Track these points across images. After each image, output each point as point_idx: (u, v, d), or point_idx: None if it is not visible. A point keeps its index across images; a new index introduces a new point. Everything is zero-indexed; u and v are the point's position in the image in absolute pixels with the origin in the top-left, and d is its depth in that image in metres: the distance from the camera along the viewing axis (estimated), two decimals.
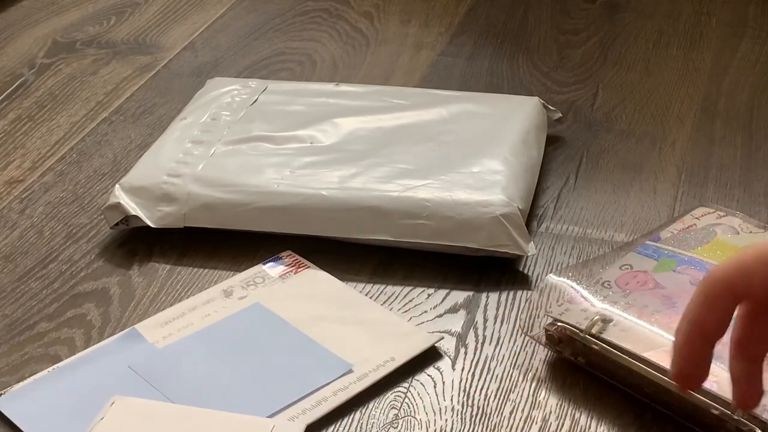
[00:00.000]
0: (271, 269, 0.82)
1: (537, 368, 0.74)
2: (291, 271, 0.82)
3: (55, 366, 0.73)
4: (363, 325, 0.76)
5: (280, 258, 0.84)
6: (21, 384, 0.72)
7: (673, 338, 0.57)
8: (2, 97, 1.12)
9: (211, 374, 0.72)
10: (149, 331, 0.76)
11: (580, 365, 0.72)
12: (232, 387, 0.71)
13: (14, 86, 1.14)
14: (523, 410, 0.70)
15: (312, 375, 0.71)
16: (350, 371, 0.72)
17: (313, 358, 0.73)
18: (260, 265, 0.83)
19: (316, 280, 0.82)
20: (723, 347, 0.67)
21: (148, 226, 0.86)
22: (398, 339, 0.75)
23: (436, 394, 0.72)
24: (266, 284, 0.81)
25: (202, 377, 0.72)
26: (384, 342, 0.75)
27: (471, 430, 0.69)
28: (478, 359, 0.74)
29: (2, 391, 0.71)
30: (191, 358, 0.73)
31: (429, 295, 0.81)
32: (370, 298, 0.80)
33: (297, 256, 0.84)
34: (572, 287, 0.74)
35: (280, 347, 0.74)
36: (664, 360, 0.67)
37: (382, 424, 0.69)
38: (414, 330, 0.76)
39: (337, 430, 0.69)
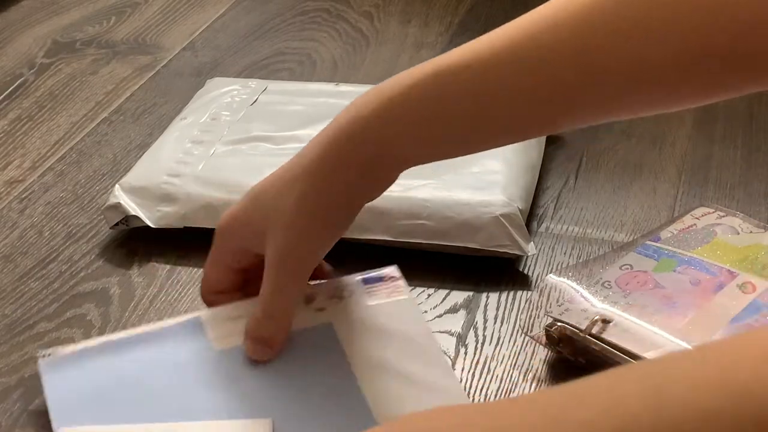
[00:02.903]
0: (365, 287, 0.72)
1: (537, 368, 0.73)
2: (384, 294, 0.72)
3: (106, 339, 0.69)
4: (421, 392, 0.66)
5: (382, 276, 0.74)
6: (68, 350, 0.68)
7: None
8: (2, 97, 1.12)
9: (253, 391, 0.66)
10: (214, 324, 0.69)
11: (580, 365, 0.72)
12: (266, 412, 0.65)
13: (14, 86, 1.14)
14: None
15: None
16: None
17: (350, 414, 0.65)
18: (357, 276, 0.73)
19: (404, 315, 0.71)
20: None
21: (148, 226, 0.86)
22: None
23: None
24: (351, 302, 0.71)
25: (245, 392, 0.66)
26: None
27: None
28: (478, 359, 0.74)
29: (47, 353, 0.69)
30: (241, 371, 0.67)
31: (429, 295, 0.81)
32: None
33: (399, 278, 0.73)
34: (572, 287, 0.74)
35: (325, 390, 0.67)
36: None
37: None
38: None
39: None
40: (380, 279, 0.73)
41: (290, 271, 0.68)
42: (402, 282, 0.73)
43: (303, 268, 0.68)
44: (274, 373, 0.67)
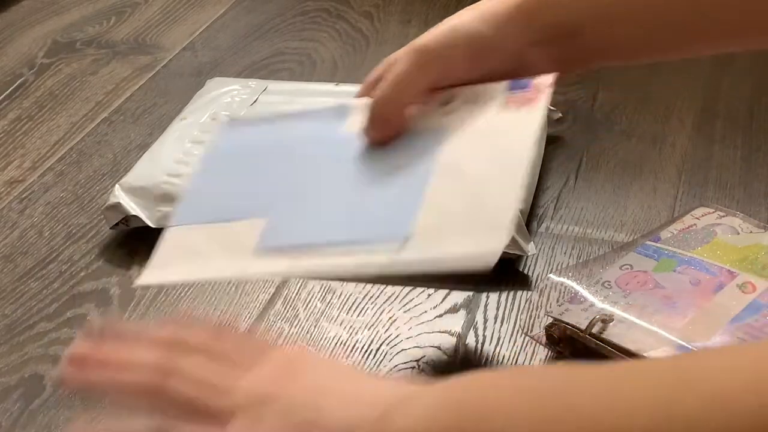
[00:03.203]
0: (506, 94, 0.68)
1: None
2: (518, 104, 0.67)
3: (275, 113, 0.77)
4: (473, 206, 0.62)
5: (528, 84, 0.68)
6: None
7: None
8: (2, 97, 1.12)
9: (345, 169, 0.68)
10: (356, 112, 0.70)
11: None
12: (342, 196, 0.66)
13: (14, 86, 1.14)
14: None
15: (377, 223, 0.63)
16: (406, 239, 0.61)
17: (400, 204, 0.63)
18: (507, 83, 0.68)
19: (519, 130, 0.65)
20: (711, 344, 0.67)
21: (148, 226, 0.86)
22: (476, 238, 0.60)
23: None
24: (483, 110, 0.67)
25: (341, 169, 0.68)
26: (464, 235, 0.60)
27: None
28: (478, 359, 0.74)
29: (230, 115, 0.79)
30: (349, 153, 0.69)
31: (429, 295, 0.81)
32: (371, 298, 0.80)
33: (546, 87, 0.67)
34: (572, 287, 0.74)
35: (400, 177, 0.66)
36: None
37: None
38: (499, 237, 0.60)
39: None
40: (525, 86, 0.68)
41: (416, 65, 0.69)
42: (545, 94, 0.67)
43: (426, 73, 0.69)
44: (369, 159, 0.68)
